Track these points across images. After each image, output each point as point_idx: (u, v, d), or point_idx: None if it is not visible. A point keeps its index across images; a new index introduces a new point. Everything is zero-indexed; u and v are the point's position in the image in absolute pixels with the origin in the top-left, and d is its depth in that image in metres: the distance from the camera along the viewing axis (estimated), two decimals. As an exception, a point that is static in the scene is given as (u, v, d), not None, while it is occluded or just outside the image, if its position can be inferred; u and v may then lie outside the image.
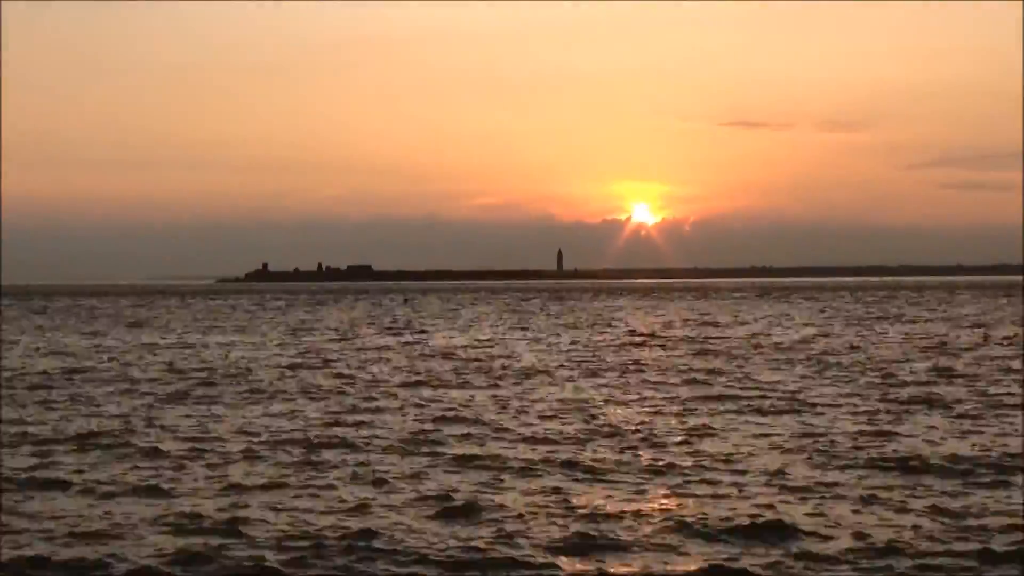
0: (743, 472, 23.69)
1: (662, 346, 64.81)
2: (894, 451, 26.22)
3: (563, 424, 31.11)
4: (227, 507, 20.82)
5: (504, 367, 50.65)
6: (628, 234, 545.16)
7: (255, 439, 29.15)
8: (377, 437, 29.14)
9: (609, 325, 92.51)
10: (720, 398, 37.20)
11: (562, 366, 51.19)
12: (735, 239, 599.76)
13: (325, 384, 43.60)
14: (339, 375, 47.46)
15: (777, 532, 18.49)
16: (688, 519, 19.38)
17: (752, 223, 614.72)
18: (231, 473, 24.32)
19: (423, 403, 36.78)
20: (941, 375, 44.75)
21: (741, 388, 40.32)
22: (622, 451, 26.41)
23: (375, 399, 38.02)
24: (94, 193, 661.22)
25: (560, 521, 19.38)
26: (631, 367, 50.43)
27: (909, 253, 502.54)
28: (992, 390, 38.87)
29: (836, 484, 22.34)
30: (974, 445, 27.02)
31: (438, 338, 74.68)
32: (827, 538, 18.15)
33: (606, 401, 36.83)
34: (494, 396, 38.44)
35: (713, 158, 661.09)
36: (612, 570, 16.63)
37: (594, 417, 32.50)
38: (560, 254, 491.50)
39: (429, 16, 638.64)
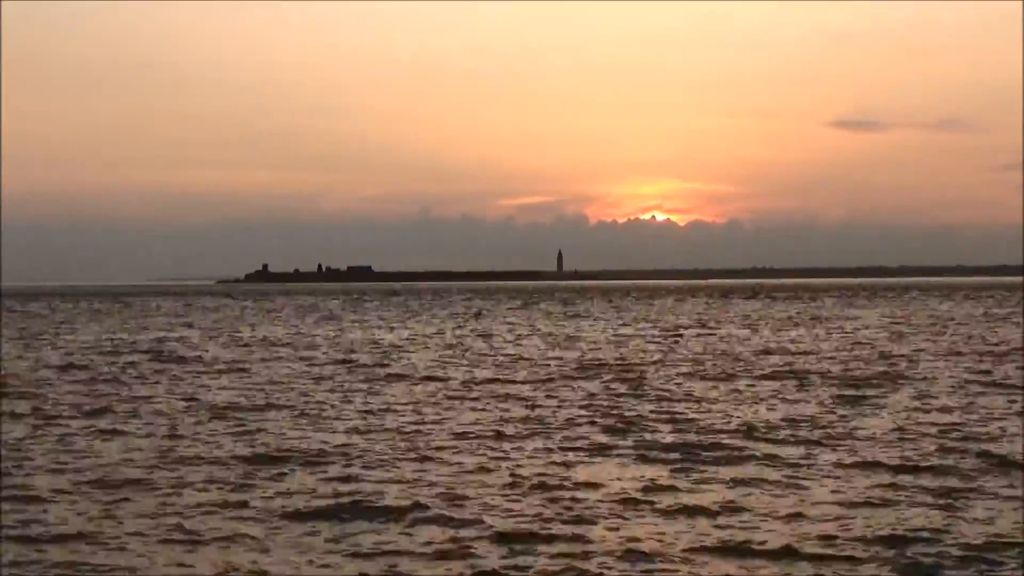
0: None
1: None
2: None
3: None
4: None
5: None
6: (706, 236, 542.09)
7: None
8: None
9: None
10: None
11: None
12: (797, 238, 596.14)
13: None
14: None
15: None
16: None
17: (806, 222, 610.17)
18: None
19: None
20: None
21: None
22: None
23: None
24: (93, 193, 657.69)
25: None
26: None
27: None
28: None
29: None
30: None
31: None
32: None
33: None
34: None
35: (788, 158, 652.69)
36: None
37: None
38: (560, 255, 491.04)
39: (484, 17, 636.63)
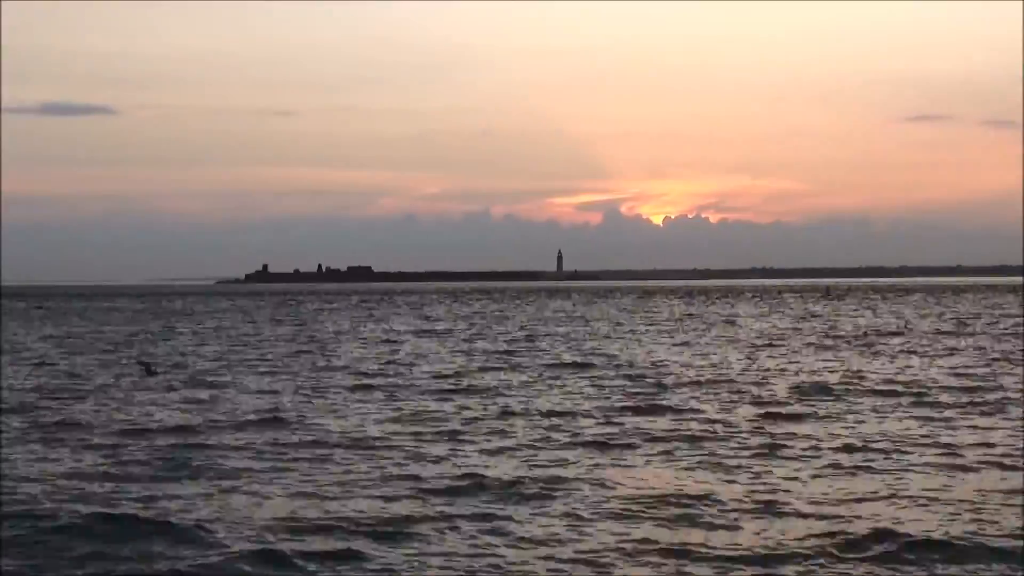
0: None
1: None
2: None
3: None
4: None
5: None
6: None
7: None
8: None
9: None
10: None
11: None
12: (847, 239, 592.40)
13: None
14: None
15: None
16: None
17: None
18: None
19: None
20: None
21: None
22: None
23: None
24: (94, 193, 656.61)
25: None
26: None
27: None
28: None
29: None
30: None
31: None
32: None
33: None
34: None
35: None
36: None
37: None
38: (560, 255, 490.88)
39: (539, 14, 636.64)
